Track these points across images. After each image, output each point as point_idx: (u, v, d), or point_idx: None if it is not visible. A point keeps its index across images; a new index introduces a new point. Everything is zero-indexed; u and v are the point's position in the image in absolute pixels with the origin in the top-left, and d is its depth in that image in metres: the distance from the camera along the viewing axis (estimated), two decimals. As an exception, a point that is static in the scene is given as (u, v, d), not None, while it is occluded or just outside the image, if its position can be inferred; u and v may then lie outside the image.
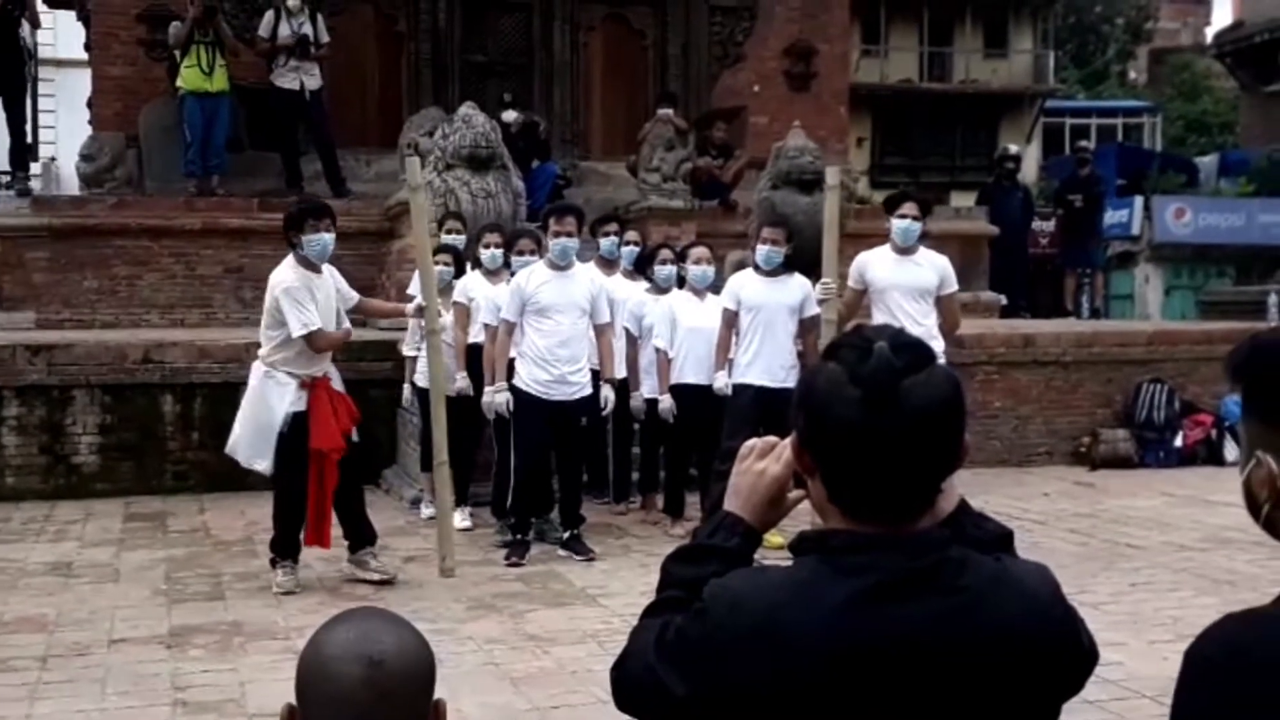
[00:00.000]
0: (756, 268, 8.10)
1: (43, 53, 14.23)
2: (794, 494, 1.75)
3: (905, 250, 8.13)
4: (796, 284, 8.07)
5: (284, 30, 12.86)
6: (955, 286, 8.32)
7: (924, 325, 7.89)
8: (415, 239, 7.28)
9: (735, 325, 8.00)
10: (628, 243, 9.21)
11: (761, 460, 1.77)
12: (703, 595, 1.63)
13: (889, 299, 8.06)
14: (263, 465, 6.94)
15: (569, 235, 7.68)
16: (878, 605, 1.54)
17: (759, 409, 7.75)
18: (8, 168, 13.24)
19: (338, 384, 7.08)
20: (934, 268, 8.18)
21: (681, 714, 1.62)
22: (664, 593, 1.77)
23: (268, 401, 6.86)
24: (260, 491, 9.72)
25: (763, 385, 7.81)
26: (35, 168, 15.14)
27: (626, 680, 1.71)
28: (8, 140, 12.76)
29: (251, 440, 6.93)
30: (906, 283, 8.07)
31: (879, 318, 7.70)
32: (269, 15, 12.92)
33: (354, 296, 7.30)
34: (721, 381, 8.00)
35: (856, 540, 1.59)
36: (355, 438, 7.05)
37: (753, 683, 1.55)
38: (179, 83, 12.79)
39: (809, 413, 1.63)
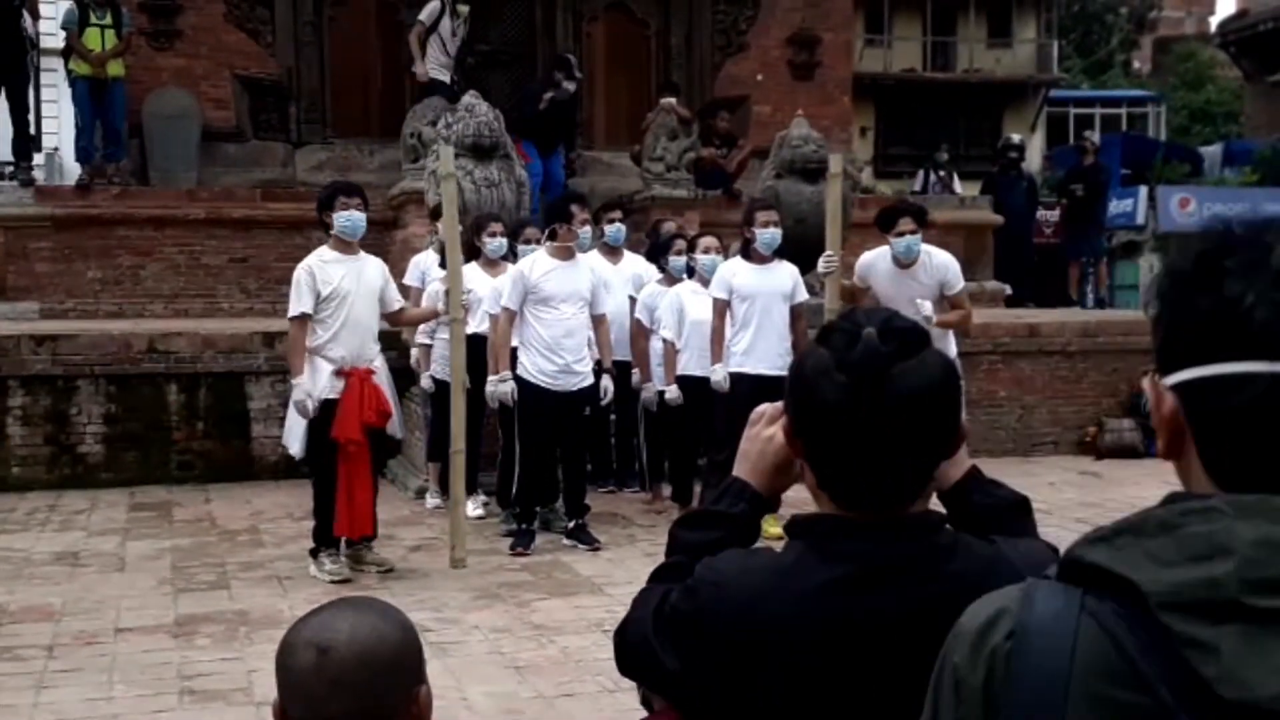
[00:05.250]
0: (749, 255, 8.02)
1: (45, 43, 14.15)
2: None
3: (907, 264, 7.91)
4: (786, 270, 8.03)
5: (445, 25, 12.81)
6: (961, 284, 8.05)
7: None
8: (445, 226, 7.28)
9: (727, 315, 7.90)
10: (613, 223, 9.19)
11: (770, 426, 1.77)
12: (695, 572, 1.65)
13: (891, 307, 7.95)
14: (294, 449, 6.93)
15: (585, 223, 7.69)
16: (856, 593, 1.54)
17: (757, 398, 7.71)
18: (10, 158, 13.19)
19: (383, 376, 6.98)
20: (934, 274, 7.91)
21: (674, 684, 1.66)
22: (671, 557, 1.79)
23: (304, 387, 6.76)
24: (264, 481, 9.80)
25: (760, 374, 7.72)
26: (38, 158, 15.08)
27: (626, 646, 1.75)
28: (10, 131, 12.73)
29: (290, 424, 6.95)
30: (906, 296, 7.91)
31: None
32: (435, 4, 12.81)
33: (394, 304, 7.10)
34: (720, 375, 7.86)
35: (843, 526, 1.58)
36: (394, 432, 7.03)
37: (734, 664, 1.58)
38: (71, 65, 12.57)
39: (797, 399, 1.61)
